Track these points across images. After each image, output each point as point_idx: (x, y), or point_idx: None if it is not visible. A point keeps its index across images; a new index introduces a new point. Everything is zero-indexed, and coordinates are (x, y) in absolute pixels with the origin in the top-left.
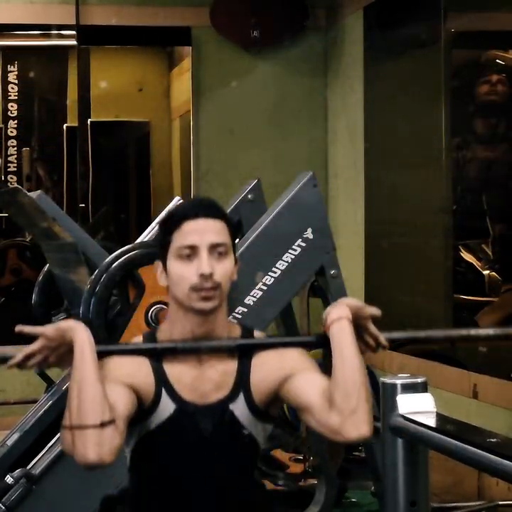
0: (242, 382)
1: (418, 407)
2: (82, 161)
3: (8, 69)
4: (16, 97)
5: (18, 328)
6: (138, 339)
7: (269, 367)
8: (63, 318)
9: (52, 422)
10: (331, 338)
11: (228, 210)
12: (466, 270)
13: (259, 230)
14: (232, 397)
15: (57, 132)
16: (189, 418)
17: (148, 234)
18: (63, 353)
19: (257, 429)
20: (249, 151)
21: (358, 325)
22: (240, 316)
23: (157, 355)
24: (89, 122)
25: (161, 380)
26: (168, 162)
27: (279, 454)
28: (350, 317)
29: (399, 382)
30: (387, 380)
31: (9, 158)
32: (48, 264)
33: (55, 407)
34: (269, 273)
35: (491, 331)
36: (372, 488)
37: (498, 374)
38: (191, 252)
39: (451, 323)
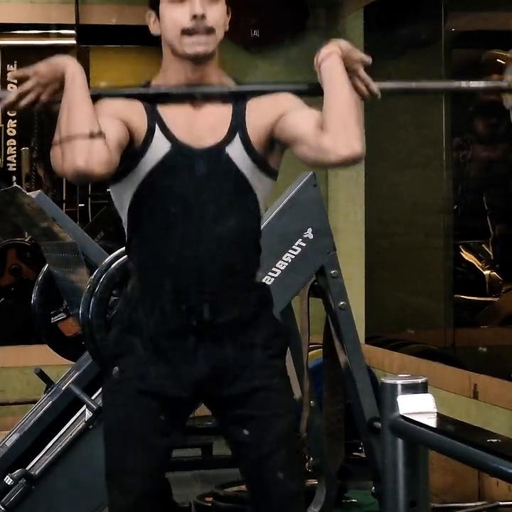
0: (237, 124)
1: (418, 408)
2: None
3: (8, 68)
4: None
5: (11, 74)
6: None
7: (264, 107)
8: (63, 319)
9: (51, 423)
10: (322, 75)
11: None
12: (467, 270)
13: None
14: (228, 139)
15: None
16: (184, 158)
17: None
18: (56, 89)
19: (255, 177)
20: None
21: (349, 69)
22: None
23: (151, 100)
24: None
25: (155, 119)
26: None
27: None
28: (340, 53)
29: (399, 382)
30: (388, 380)
31: (9, 158)
32: (47, 264)
33: (55, 408)
34: (269, 273)
35: (482, 84)
36: (373, 488)
37: (498, 374)
38: None
39: (451, 323)
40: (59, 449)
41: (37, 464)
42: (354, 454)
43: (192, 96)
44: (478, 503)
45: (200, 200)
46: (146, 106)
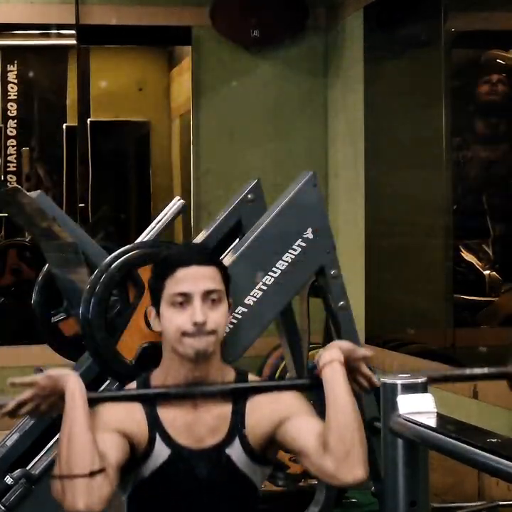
0: (237, 426)
1: (418, 407)
2: (81, 160)
3: (8, 68)
4: (16, 97)
5: (10, 380)
6: (131, 385)
7: (264, 411)
8: (63, 319)
9: (52, 422)
10: (324, 382)
11: (228, 210)
12: (467, 270)
13: (259, 230)
14: (228, 441)
15: (56, 132)
16: (184, 463)
17: (148, 234)
18: (55, 401)
19: (255, 473)
20: (249, 151)
21: (351, 367)
22: (240, 316)
23: (150, 401)
24: (88, 122)
25: (155, 425)
26: (168, 162)
27: (279, 454)
28: (342, 360)
29: (399, 382)
30: (388, 380)
31: (9, 158)
32: (47, 264)
33: None
34: (269, 273)
35: (485, 370)
36: (373, 488)
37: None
38: (184, 299)
39: (451, 323)
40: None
41: (37, 463)
42: None
43: (191, 395)
44: (478, 503)
45: (200, 499)
46: (146, 410)
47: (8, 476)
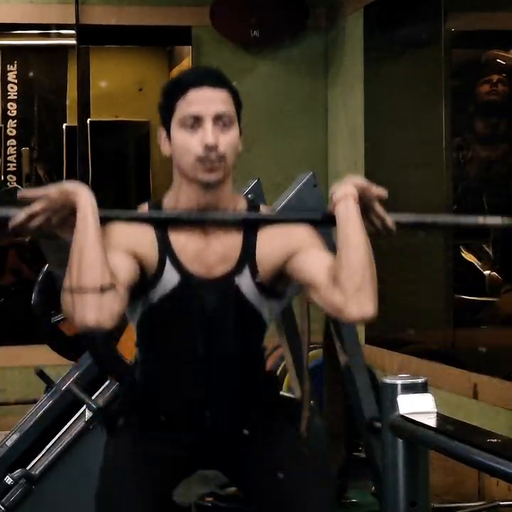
0: (247, 256)
1: (418, 408)
2: (81, 160)
3: (8, 68)
4: (16, 97)
5: (20, 194)
6: (144, 206)
7: (276, 242)
8: (63, 319)
9: (51, 423)
10: (337, 218)
11: None
12: (467, 270)
13: None
14: (237, 270)
15: (56, 132)
16: (193, 290)
17: None
18: (66, 215)
19: (263, 305)
20: (249, 151)
21: (365, 205)
22: None
23: (161, 224)
24: (88, 122)
25: (166, 250)
26: (168, 162)
27: None
28: (357, 196)
29: (399, 382)
30: (388, 380)
31: (9, 158)
32: (47, 264)
33: (55, 408)
34: None
35: (499, 220)
36: (373, 488)
37: (498, 374)
38: (196, 122)
39: (452, 323)
40: (59, 449)
41: (37, 463)
42: (354, 453)
43: (203, 221)
44: (478, 503)
45: (208, 327)
46: (157, 233)
47: (8, 476)
